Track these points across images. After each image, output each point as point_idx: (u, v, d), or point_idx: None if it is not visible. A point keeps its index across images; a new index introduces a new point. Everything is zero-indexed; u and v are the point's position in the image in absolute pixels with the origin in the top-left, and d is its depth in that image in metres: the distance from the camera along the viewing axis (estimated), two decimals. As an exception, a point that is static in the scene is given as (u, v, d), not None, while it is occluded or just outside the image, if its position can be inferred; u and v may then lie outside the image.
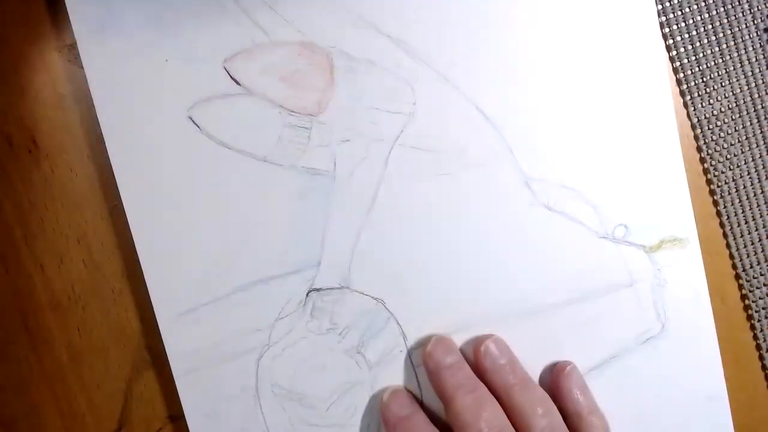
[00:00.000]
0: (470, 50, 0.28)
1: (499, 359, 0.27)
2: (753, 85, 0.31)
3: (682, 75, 0.31)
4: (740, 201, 0.32)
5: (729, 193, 0.32)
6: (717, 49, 0.31)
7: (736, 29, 0.31)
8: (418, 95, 0.28)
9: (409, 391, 0.29)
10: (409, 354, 0.29)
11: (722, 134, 0.31)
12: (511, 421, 0.26)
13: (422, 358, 0.28)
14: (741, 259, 0.32)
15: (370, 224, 0.28)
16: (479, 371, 0.27)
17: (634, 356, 0.30)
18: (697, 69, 0.31)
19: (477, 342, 0.28)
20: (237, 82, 0.27)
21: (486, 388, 0.27)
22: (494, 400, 0.26)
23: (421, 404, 0.29)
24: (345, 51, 0.28)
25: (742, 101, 0.31)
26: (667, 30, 0.31)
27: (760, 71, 0.31)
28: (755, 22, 0.31)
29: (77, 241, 0.28)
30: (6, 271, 0.28)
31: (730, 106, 0.31)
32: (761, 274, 0.32)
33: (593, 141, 0.29)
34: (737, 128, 0.31)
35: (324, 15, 0.27)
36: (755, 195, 0.32)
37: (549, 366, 0.29)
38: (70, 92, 0.28)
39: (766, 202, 0.32)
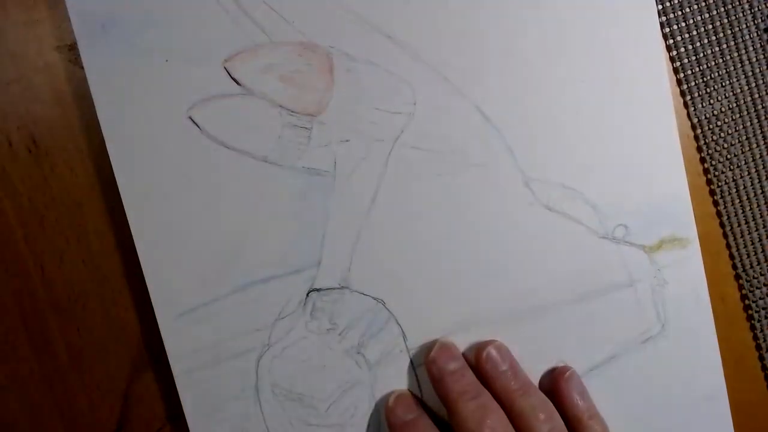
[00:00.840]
0: (470, 50, 0.28)
1: (501, 365, 0.28)
2: (753, 85, 0.31)
3: (682, 75, 0.31)
4: (740, 201, 0.32)
5: (729, 193, 0.32)
6: (717, 49, 0.31)
7: (736, 29, 0.31)
8: (418, 95, 0.28)
9: (412, 394, 0.29)
10: (409, 354, 0.29)
11: (722, 134, 0.31)
12: (513, 426, 0.26)
13: (425, 363, 0.28)
14: (741, 259, 0.32)
15: (370, 224, 0.28)
16: (481, 377, 0.28)
17: (634, 356, 0.30)
18: (697, 69, 0.31)
19: (479, 348, 0.28)
20: (237, 82, 0.27)
21: (489, 395, 0.27)
22: (497, 406, 0.26)
23: (422, 403, 0.29)
24: (345, 51, 0.28)
25: (742, 101, 0.31)
26: (667, 30, 0.31)
27: (760, 71, 0.31)
28: (755, 22, 0.31)
29: (77, 241, 0.28)
30: (6, 271, 0.28)
31: (731, 106, 0.31)
32: (761, 274, 0.32)
33: (593, 141, 0.29)
34: (737, 128, 0.31)
35: (324, 15, 0.27)
36: (755, 195, 0.32)
37: (548, 370, 0.29)
38: (70, 92, 0.28)
39: (766, 202, 0.32)
